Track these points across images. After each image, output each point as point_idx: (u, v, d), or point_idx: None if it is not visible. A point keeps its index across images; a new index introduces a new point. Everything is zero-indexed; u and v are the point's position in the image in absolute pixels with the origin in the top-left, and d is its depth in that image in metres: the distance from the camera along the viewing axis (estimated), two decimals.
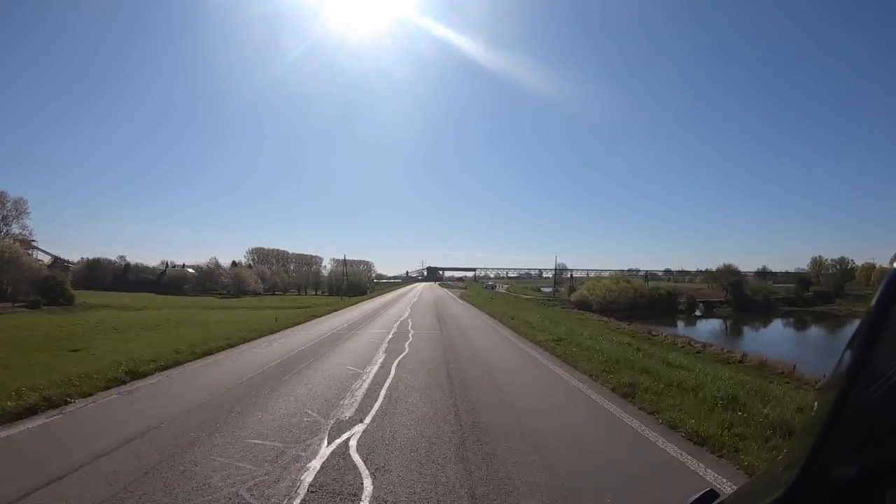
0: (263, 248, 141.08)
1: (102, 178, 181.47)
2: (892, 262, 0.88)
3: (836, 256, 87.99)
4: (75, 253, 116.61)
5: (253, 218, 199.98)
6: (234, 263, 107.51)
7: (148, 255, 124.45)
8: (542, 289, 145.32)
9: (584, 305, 66.43)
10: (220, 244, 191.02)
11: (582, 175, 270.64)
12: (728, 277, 78.35)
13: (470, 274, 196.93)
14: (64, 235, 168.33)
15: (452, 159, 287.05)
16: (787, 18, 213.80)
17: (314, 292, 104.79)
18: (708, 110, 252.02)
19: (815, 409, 0.66)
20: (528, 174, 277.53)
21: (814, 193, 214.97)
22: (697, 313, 72.20)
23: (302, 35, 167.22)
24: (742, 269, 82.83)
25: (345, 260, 70.26)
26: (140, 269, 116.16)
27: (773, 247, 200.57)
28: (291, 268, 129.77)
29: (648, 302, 68.04)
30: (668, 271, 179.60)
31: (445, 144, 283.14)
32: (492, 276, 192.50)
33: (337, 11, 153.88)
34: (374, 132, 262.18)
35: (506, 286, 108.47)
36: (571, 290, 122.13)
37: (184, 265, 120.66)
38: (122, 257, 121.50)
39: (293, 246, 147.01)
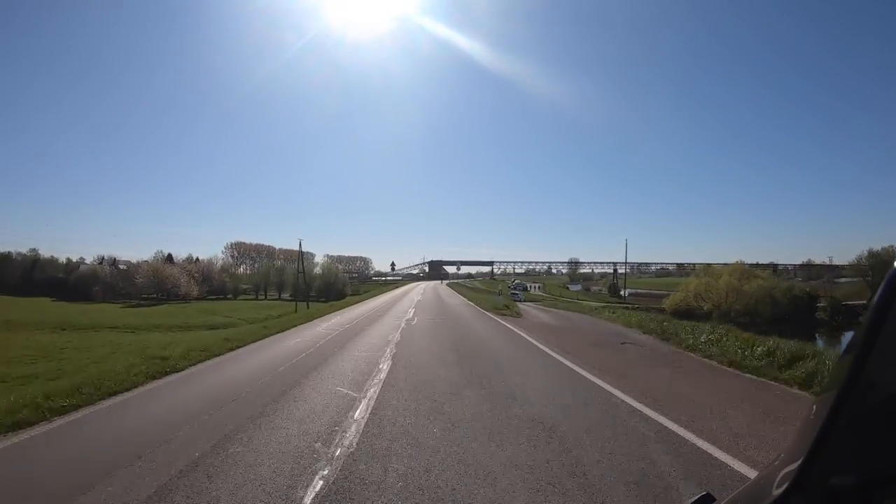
0: (244, 243, 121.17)
1: (107, 177, 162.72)
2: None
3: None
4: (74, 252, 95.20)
5: (248, 215, 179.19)
6: (168, 258, 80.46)
7: (142, 254, 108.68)
8: (569, 286, 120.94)
9: (685, 314, 40.93)
10: (219, 242, 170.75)
11: (582, 169, 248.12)
12: (876, 271, 52.87)
13: (474, 270, 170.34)
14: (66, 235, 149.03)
15: (452, 157, 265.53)
16: (790, 17, 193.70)
17: (277, 295, 78.06)
18: (704, 105, 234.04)
19: (812, 413, 0.64)
20: (529, 169, 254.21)
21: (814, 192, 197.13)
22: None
23: (300, 31, 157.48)
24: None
25: (300, 251, 43.55)
26: (50, 267, 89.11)
27: (770, 242, 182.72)
28: (278, 264, 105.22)
29: (788, 309, 42.46)
30: (680, 266, 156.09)
31: (445, 141, 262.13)
32: (496, 272, 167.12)
33: (337, 8, 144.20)
34: (374, 129, 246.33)
35: (535, 285, 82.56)
36: (613, 287, 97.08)
37: (114, 261, 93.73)
38: (33, 250, 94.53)
39: (289, 244, 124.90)
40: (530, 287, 72.58)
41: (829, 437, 0.57)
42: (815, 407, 0.64)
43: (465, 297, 39.36)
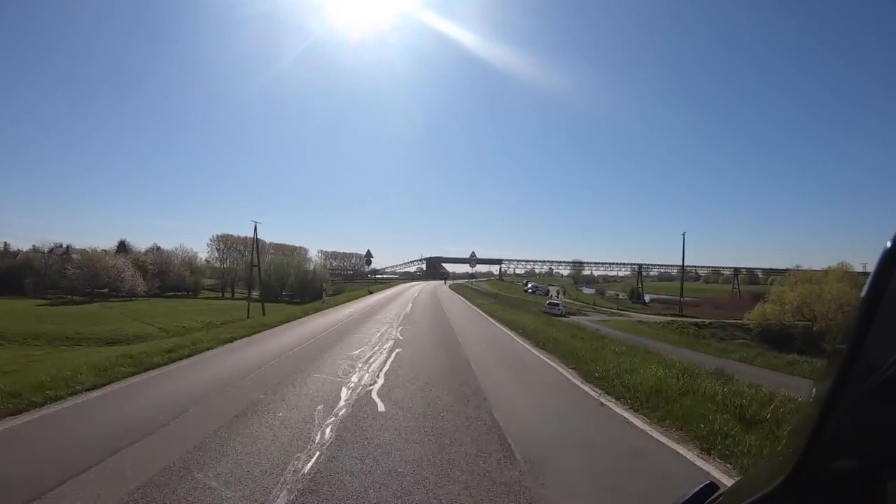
0: (231, 236, 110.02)
1: (107, 170, 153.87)
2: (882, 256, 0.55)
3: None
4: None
5: (247, 211, 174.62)
6: (121, 245, 68.48)
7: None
8: (581, 289, 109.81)
9: (777, 334, 29.80)
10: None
11: (587, 170, 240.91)
12: None
13: (473, 268, 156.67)
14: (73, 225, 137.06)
15: (454, 155, 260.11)
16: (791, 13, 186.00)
17: (247, 292, 66.22)
18: (705, 105, 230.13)
19: (812, 398, 0.63)
20: (531, 168, 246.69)
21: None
22: None
23: (303, 32, 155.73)
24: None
25: (255, 238, 31.93)
26: None
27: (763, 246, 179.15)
28: (268, 259, 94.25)
29: None
30: (681, 268, 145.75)
31: (447, 139, 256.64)
32: (494, 272, 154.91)
33: (339, 6, 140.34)
34: (376, 127, 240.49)
35: (553, 289, 71.09)
36: (636, 293, 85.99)
37: (67, 249, 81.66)
38: None
39: (283, 238, 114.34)
40: (551, 291, 61.00)
41: (830, 422, 0.57)
42: (814, 392, 0.63)
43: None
